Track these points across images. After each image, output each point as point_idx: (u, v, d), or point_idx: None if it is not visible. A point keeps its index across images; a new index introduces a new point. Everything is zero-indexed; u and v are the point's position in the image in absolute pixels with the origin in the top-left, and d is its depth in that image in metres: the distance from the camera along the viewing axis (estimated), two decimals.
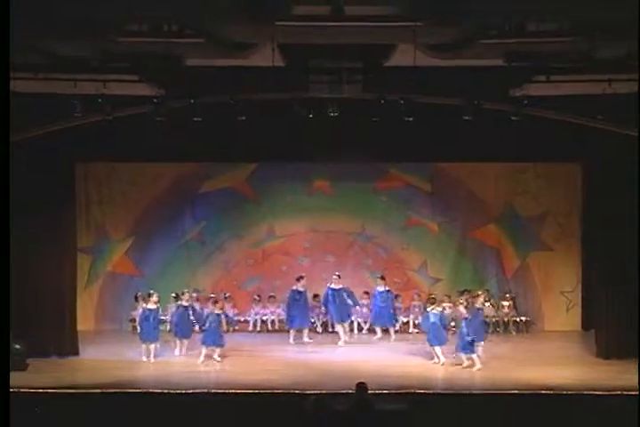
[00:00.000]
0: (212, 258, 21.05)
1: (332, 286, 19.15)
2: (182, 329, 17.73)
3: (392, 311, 19.38)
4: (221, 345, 17.12)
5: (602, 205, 17.69)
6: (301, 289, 19.10)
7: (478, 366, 16.10)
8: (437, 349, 16.59)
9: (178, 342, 17.74)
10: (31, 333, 16.54)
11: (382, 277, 19.55)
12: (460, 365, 16.28)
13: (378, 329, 19.47)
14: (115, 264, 20.92)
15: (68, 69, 13.60)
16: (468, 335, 16.19)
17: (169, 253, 20.90)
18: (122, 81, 14.25)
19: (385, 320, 19.37)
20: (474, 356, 16.18)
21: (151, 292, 17.84)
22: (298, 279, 19.11)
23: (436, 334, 16.61)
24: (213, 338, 17.01)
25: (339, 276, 19.27)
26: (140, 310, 18.11)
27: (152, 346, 17.30)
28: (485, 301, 20.51)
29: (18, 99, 14.44)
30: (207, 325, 17.07)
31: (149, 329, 17.33)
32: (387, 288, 19.47)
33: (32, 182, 16.82)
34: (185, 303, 17.83)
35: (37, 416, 12.24)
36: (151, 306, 17.55)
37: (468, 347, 16.18)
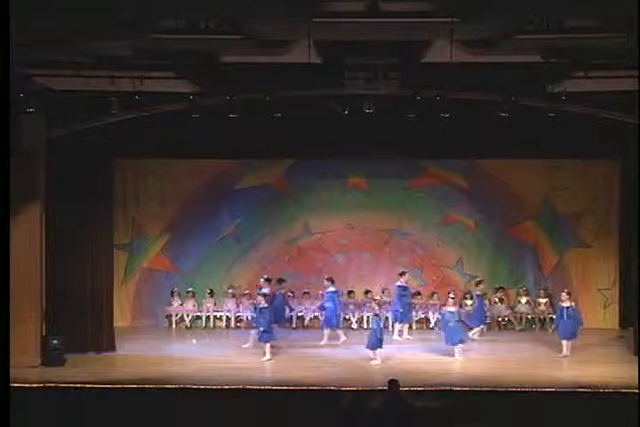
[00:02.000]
0: (247, 254, 21.08)
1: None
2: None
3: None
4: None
5: None
6: (405, 285, 19.08)
7: (377, 360, 16.25)
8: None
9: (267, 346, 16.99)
10: (69, 328, 16.64)
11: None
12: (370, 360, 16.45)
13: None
14: (151, 260, 21.03)
15: (106, 67, 13.67)
16: (377, 332, 16.40)
17: (205, 249, 20.98)
18: (159, 78, 14.31)
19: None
20: (377, 351, 16.31)
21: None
22: (400, 275, 19.12)
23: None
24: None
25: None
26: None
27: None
28: (522, 298, 20.52)
29: (56, 96, 14.68)
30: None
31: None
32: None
33: (70, 179, 16.93)
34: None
35: (73, 411, 12.35)
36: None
37: (378, 343, 16.32)
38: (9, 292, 8.82)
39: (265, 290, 18.19)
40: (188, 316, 20.52)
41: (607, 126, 16.38)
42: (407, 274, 19.38)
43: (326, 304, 18.57)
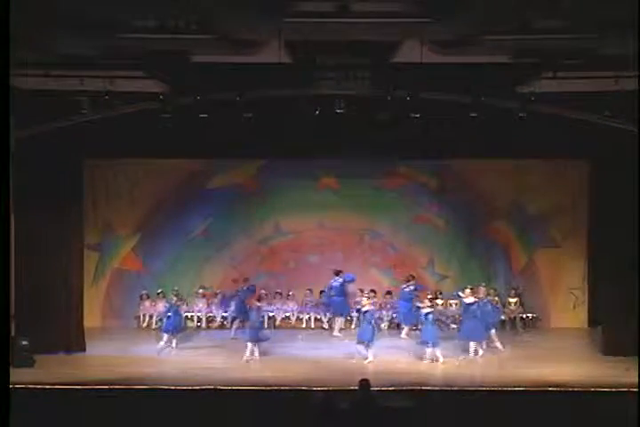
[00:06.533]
0: (218, 254, 21.04)
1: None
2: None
3: None
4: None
5: (609, 202, 17.66)
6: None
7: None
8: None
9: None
10: (38, 329, 16.56)
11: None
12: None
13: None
14: (122, 261, 20.95)
15: (75, 66, 13.60)
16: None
17: (176, 249, 20.91)
18: (128, 78, 14.26)
19: None
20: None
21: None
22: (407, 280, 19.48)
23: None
24: None
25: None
26: None
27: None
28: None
29: (25, 96, 14.58)
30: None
31: None
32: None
33: (40, 179, 16.83)
34: None
35: (43, 412, 12.27)
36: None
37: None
38: (9, 293, 8.73)
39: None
40: (157, 316, 20.43)
41: (576, 127, 16.49)
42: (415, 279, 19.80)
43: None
